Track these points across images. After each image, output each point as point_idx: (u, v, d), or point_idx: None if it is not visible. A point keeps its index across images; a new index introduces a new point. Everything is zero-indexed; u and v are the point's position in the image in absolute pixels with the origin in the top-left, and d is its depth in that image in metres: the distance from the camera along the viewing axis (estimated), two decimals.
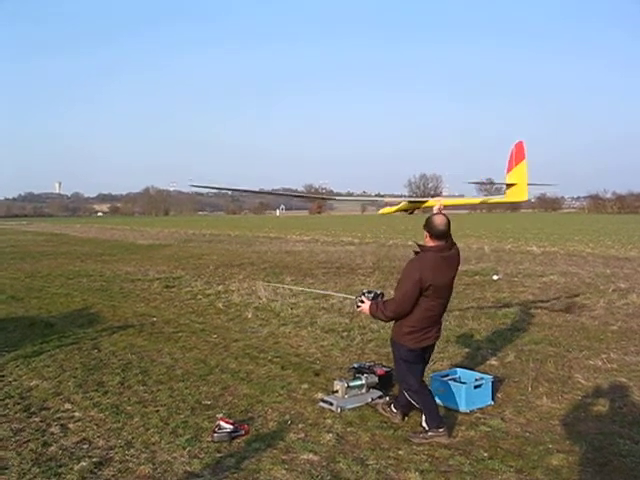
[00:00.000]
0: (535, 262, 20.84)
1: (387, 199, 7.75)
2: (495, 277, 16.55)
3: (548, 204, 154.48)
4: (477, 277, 16.78)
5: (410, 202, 7.20)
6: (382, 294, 6.17)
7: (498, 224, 60.17)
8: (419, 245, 5.87)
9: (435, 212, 6.37)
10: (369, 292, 6.17)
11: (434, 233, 5.66)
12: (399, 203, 7.59)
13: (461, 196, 7.14)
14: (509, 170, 6.64)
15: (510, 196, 6.72)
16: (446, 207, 6.63)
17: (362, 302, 6.07)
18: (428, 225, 5.69)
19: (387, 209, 7.72)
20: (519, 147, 6.62)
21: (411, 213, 7.56)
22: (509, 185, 6.69)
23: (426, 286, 5.55)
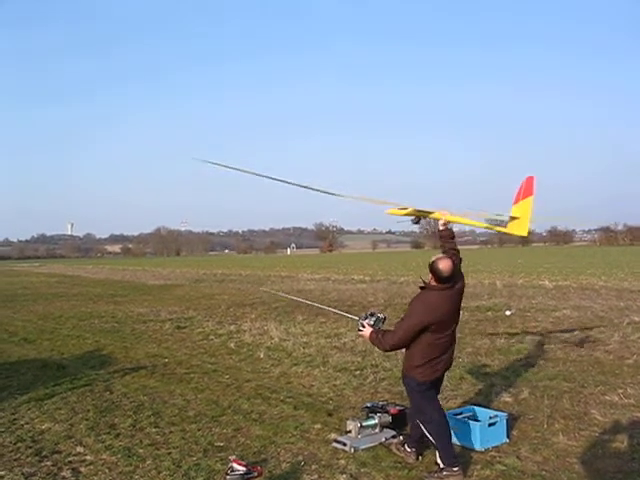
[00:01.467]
0: (547, 296, 20.71)
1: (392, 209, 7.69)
2: (508, 312, 16.44)
3: (559, 237, 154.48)
4: (489, 313, 16.68)
5: (417, 210, 7.18)
6: (385, 318, 6.19)
7: (509, 259, 59.96)
8: (424, 282, 5.90)
9: (441, 228, 6.35)
10: (372, 315, 6.16)
11: (438, 278, 5.68)
12: (406, 209, 7.56)
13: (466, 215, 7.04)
14: (515, 202, 6.67)
15: (511, 228, 6.76)
16: (450, 222, 6.59)
17: (364, 327, 6.08)
18: (433, 269, 5.69)
19: (395, 210, 7.70)
20: (529, 182, 6.63)
21: (417, 222, 7.55)
22: (512, 218, 6.72)
23: (428, 325, 5.60)
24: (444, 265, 5.63)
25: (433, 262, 5.69)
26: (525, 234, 6.62)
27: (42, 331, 15.95)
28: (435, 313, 5.60)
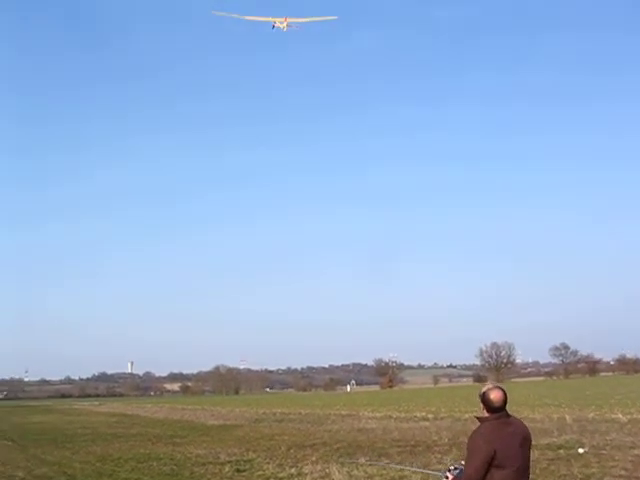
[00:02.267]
0: (623, 432, 19.65)
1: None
2: (581, 450, 15.66)
3: (629, 366, 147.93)
4: (561, 451, 15.88)
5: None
6: None
7: (577, 390, 57.59)
8: (478, 418, 5.82)
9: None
10: (455, 468, 6.00)
11: (491, 408, 5.64)
12: None
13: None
14: None
15: None
16: None
17: (447, 478, 5.89)
18: (484, 400, 5.67)
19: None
20: None
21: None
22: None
23: (492, 456, 5.40)
24: (495, 395, 5.60)
25: (484, 393, 5.69)
26: None
27: (100, 474, 15.84)
28: (493, 443, 5.43)
